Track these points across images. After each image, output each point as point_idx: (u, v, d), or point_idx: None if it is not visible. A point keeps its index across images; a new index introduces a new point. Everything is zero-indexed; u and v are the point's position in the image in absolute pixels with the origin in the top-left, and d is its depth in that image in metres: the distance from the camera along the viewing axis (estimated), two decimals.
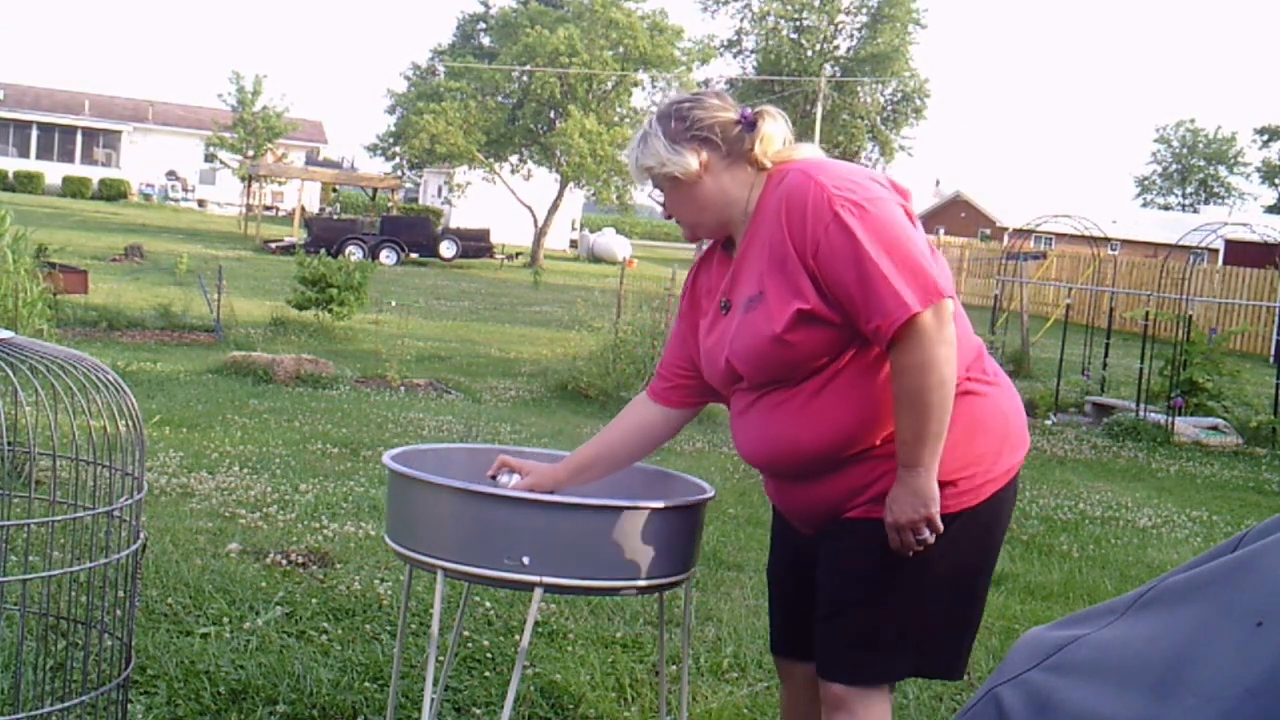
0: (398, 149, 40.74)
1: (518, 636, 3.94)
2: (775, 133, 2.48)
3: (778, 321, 2.36)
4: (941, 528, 2.32)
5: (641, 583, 2.66)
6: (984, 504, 2.40)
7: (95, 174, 50.27)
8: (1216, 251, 29.53)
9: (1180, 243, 13.77)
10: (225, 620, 3.93)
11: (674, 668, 3.68)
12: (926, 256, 2.29)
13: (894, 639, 2.41)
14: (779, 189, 2.40)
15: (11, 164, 49.08)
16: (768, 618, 2.76)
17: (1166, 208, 64.51)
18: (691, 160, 2.46)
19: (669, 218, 2.57)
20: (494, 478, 2.75)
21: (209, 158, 49.46)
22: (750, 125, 2.47)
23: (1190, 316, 11.89)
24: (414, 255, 30.15)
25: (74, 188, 47.58)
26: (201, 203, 51.29)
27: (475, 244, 31.75)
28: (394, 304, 14.27)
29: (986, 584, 2.51)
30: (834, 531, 2.44)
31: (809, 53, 52.74)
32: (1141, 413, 10.72)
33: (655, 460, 2.92)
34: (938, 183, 53.76)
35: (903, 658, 2.44)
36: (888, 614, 2.41)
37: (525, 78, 36.27)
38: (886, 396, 2.33)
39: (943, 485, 2.32)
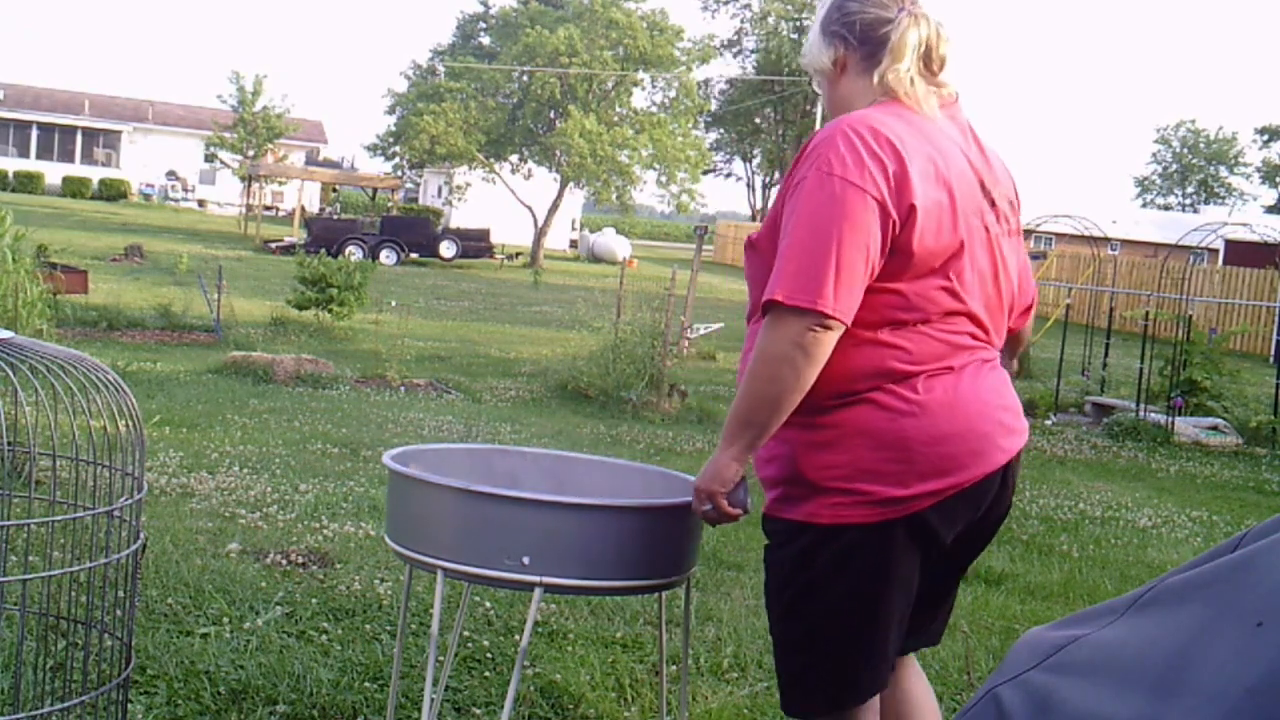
0: (398, 149, 40.72)
1: (518, 636, 3.94)
2: (909, 41, 2.24)
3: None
4: (726, 508, 2.26)
5: (641, 583, 2.66)
6: (879, 526, 2.21)
7: (95, 174, 50.29)
8: (1216, 251, 29.53)
9: (1180, 243, 13.76)
10: (225, 620, 3.93)
11: (674, 668, 3.68)
12: (843, 263, 2.09)
13: (802, 667, 2.32)
14: None
15: (11, 164, 49.09)
16: None
17: (1166, 208, 64.46)
18: (826, 56, 2.32)
19: None
20: None
21: (209, 158, 49.50)
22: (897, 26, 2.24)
23: (1190, 316, 11.89)
24: (414, 255, 30.16)
25: (74, 188, 47.58)
26: (201, 203, 51.31)
27: (475, 244, 31.75)
28: (394, 304, 14.27)
29: (886, 617, 2.28)
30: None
31: None
32: (1141, 413, 10.72)
33: (655, 460, 2.92)
34: None
35: (812, 687, 2.32)
36: (793, 641, 2.32)
37: (525, 78, 36.27)
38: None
39: (826, 489, 2.21)
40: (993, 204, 2.29)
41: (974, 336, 2.28)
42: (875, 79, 2.25)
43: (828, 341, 2.11)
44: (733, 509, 2.28)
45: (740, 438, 2.20)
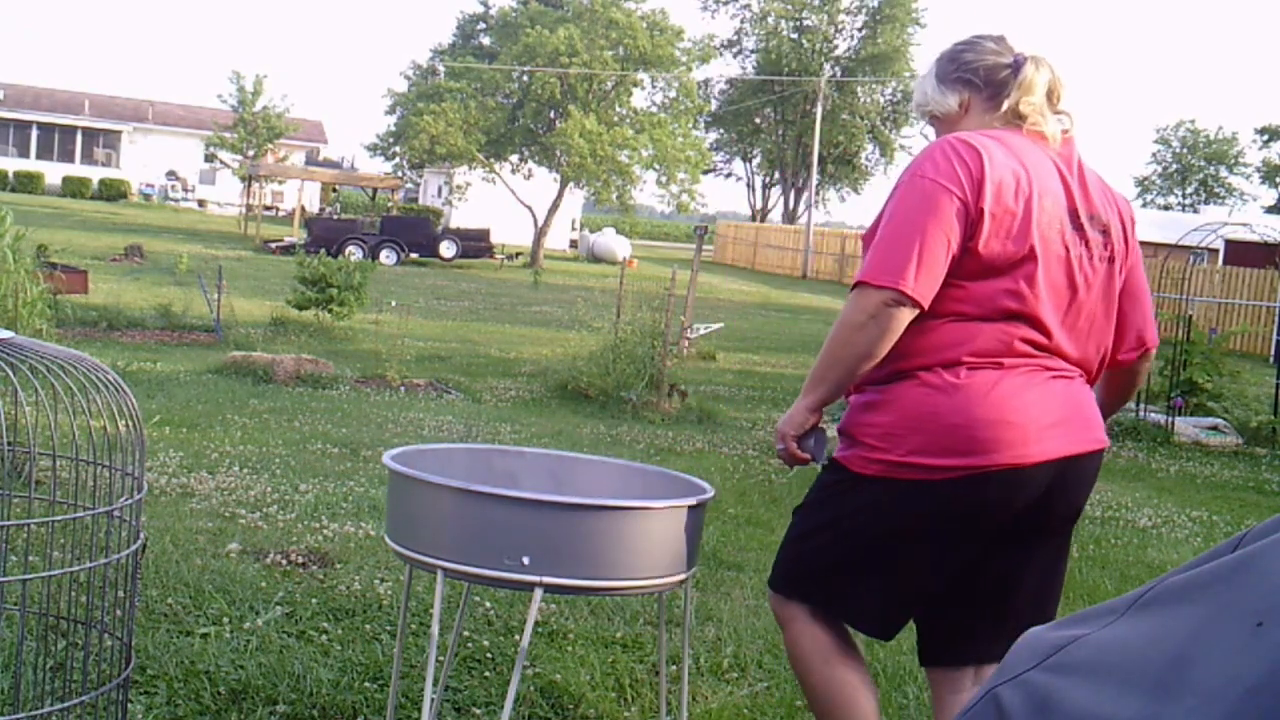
0: (398, 149, 40.72)
1: (518, 636, 3.94)
2: (1038, 80, 2.52)
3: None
4: (794, 451, 2.55)
5: (641, 583, 2.66)
6: (894, 481, 2.45)
7: (95, 174, 50.27)
8: (1216, 251, 29.49)
9: (1180, 243, 13.76)
10: (225, 620, 3.93)
11: (674, 668, 3.68)
12: (926, 251, 2.34)
13: (797, 554, 2.63)
14: None
15: (11, 164, 49.07)
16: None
17: (1166, 208, 64.35)
18: (952, 100, 2.60)
19: None
20: None
21: (209, 158, 49.50)
22: (1017, 69, 2.53)
23: (1190, 316, 11.89)
24: (414, 255, 30.14)
25: (74, 188, 47.56)
26: (201, 203, 51.30)
27: (475, 244, 31.73)
28: (394, 304, 14.26)
29: (899, 560, 2.52)
30: None
31: (809, 53, 52.72)
32: (1141, 413, 10.72)
33: (655, 460, 2.94)
34: None
35: (803, 579, 2.61)
36: (805, 533, 2.62)
37: (525, 78, 36.26)
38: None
39: (860, 442, 2.50)
40: (1079, 227, 2.49)
41: (1036, 344, 2.45)
42: (1003, 109, 2.54)
43: (902, 317, 2.37)
44: (802, 453, 2.55)
45: (814, 391, 2.51)
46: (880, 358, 2.40)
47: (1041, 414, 2.42)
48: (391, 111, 41.93)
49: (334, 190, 47.80)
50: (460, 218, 39.75)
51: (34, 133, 52.06)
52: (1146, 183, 71.00)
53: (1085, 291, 2.49)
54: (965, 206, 2.36)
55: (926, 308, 2.37)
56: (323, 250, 15.82)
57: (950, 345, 2.41)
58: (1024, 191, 2.40)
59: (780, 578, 2.66)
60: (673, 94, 38.32)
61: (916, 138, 53.41)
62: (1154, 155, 71.01)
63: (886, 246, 2.38)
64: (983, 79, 2.56)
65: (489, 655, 3.84)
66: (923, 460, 2.41)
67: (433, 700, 3.06)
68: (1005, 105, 2.53)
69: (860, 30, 54.16)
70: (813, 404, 2.51)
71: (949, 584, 2.55)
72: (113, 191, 48.02)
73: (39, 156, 51.62)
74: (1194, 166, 69.15)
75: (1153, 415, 10.64)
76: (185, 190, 52.51)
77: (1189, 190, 69.22)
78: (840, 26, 54.29)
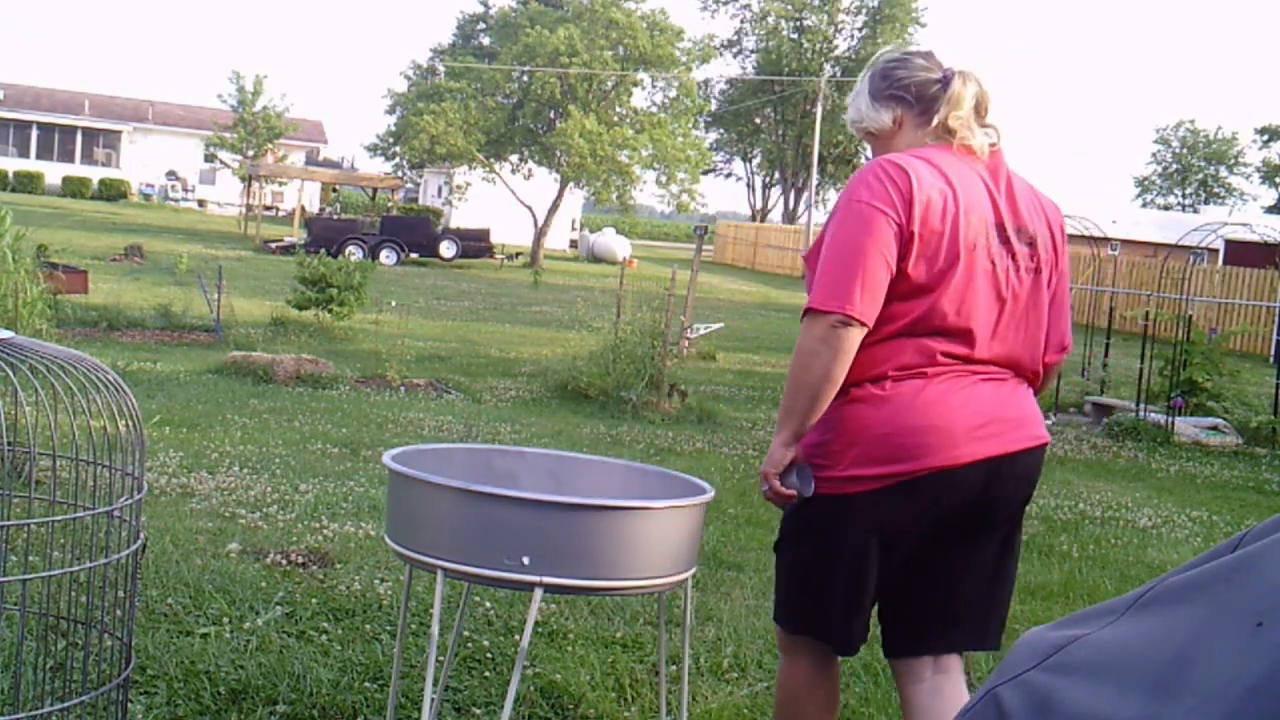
0: (398, 149, 40.71)
1: (518, 636, 3.94)
2: (966, 94, 2.58)
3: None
4: (778, 488, 2.55)
5: (641, 583, 2.66)
6: (841, 497, 2.52)
7: (95, 174, 50.24)
8: (1216, 251, 29.49)
9: (1180, 243, 13.75)
10: (225, 620, 3.93)
11: (674, 668, 3.68)
12: (868, 273, 2.41)
13: (781, 587, 2.70)
14: None
15: (11, 164, 49.05)
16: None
17: (1166, 208, 64.32)
18: (886, 116, 2.65)
19: None
20: None
21: (209, 158, 49.51)
22: (945, 84, 2.59)
23: (1190, 316, 11.89)
24: (414, 255, 30.13)
25: (74, 188, 47.54)
26: (201, 203, 51.28)
27: (475, 244, 31.73)
28: (394, 304, 14.25)
29: (829, 579, 2.57)
30: None
31: (809, 53, 52.71)
32: (1141, 413, 10.72)
33: (655, 460, 2.94)
34: None
35: (785, 607, 2.69)
36: (784, 565, 2.69)
37: (525, 78, 36.25)
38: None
39: (810, 464, 2.55)
40: (1006, 240, 2.55)
41: (963, 357, 2.52)
42: (934, 124, 2.60)
43: (852, 337, 2.43)
44: (786, 490, 2.54)
45: (786, 425, 2.52)
46: (840, 380, 2.46)
47: (968, 417, 2.50)
48: (391, 111, 41.90)
49: (334, 190, 47.78)
50: (460, 218, 39.73)
51: (34, 133, 52.04)
52: (1146, 183, 70.98)
53: (1013, 303, 2.56)
54: (900, 228, 2.44)
55: (871, 326, 2.44)
56: (323, 250, 15.82)
57: (879, 362, 2.49)
58: (950, 210, 2.47)
59: (777, 612, 2.74)
60: (673, 94, 38.31)
61: None
62: (1154, 155, 70.99)
63: (829, 272, 2.45)
64: (914, 95, 2.62)
65: (489, 655, 3.84)
66: (859, 472, 2.49)
67: (433, 700, 3.06)
68: (935, 120, 2.59)
69: (860, 30, 54.12)
70: (787, 439, 2.53)
71: (901, 582, 2.61)
72: (113, 191, 48.00)
73: (39, 156, 51.60)
74: (1194, 166, 69.11)
75: (1153, 415, 10.64)
76: (185, 190, 52.49)
77: (1189, 190, 69.18)
78: (840, 26, 54.26)
